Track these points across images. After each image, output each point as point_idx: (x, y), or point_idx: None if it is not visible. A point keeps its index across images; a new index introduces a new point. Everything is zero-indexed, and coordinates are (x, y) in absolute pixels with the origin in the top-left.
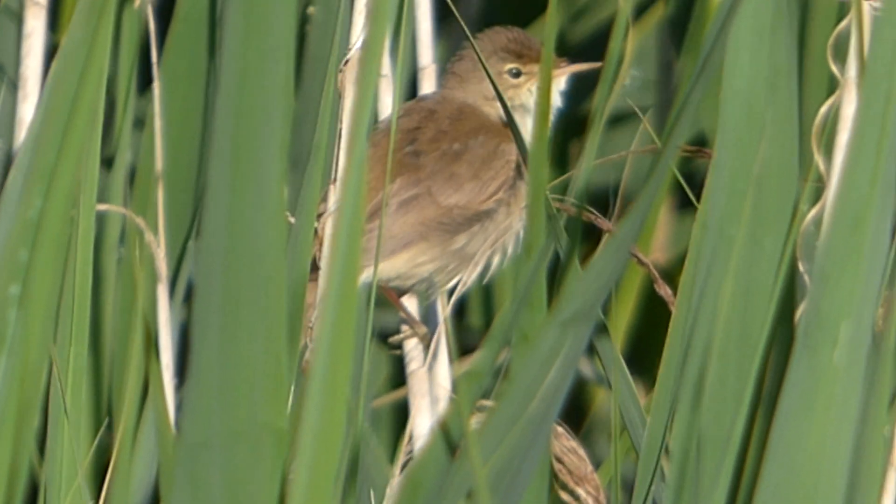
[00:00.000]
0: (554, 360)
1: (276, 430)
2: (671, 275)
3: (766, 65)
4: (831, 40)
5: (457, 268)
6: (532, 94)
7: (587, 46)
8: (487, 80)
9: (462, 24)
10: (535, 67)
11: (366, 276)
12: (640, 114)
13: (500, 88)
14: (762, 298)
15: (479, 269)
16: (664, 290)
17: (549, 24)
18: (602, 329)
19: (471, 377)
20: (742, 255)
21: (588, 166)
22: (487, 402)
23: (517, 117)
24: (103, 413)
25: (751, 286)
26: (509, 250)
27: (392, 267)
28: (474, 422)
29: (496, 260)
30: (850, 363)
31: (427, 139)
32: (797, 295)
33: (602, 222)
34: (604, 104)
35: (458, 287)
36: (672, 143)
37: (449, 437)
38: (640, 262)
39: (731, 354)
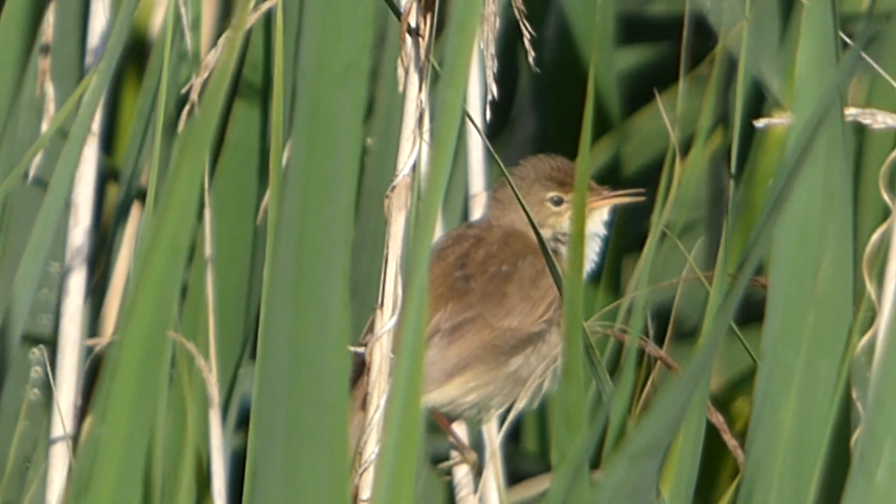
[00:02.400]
0: (621, 495)
1: None
2: (723, 401)
3: (820, 190)
4: (884, 168)
5: (510, 392)
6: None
7: (644, 174)
8: (530, 207)
9: (497, 158)
10: None
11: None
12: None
13: (543, 216)
14: (818, 424)
15: (531, 392)
16: (716, 417)
17: (583, 152)
18: None
19: None
20: (799, 381)
21: (641, 297)
22: None
23: (560, 246)
24: None
25: (807, 411)
26: None
27: (447, 393)
28: None
29: (547, 383)
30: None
31: (476, 263)
32: (851, 421)
33: (657, 351)
34: (654, 244)
35: (511, 411)
36: (746, 270)
37: None
38: None
39: (787, 480)
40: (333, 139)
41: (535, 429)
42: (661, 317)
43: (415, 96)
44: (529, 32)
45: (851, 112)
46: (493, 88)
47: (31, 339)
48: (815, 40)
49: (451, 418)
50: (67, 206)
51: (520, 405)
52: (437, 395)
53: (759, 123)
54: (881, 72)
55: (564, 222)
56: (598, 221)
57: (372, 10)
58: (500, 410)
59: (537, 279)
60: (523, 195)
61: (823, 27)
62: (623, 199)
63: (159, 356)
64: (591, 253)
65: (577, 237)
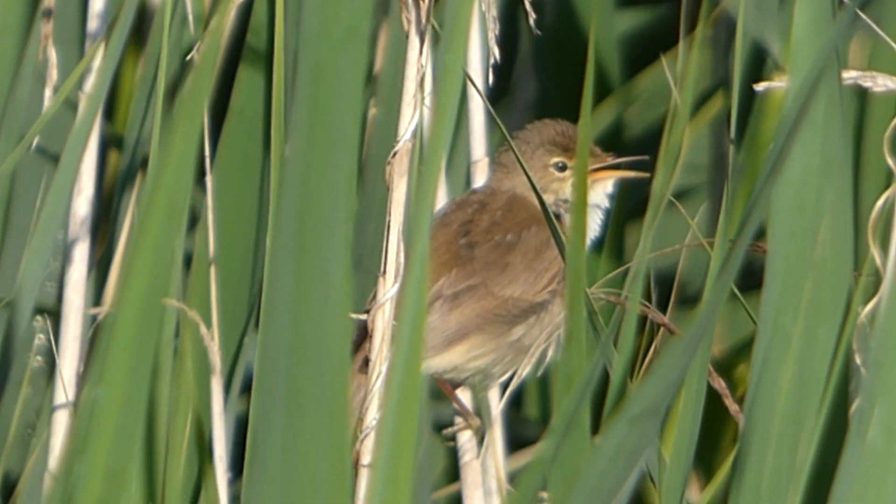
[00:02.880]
0: (620, 457)
1: None
2: (726, 367)
3: (819, 154)
4: (888, 133)
5: (513, 360)
6: None
7: (646, 138)
8: (534, 172)
9: (500, 122)
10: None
11: (423, 368)
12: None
13: (546, 181)
14: (816, 390)
15: (534, 360)
16: (718, 382)
17: (584, 116)
18: None
19: (531, 469)
20: (797, 347)
21: (643, 263)
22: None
23: (562, 211)
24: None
25: (805, 378)
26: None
27: (448, 359)
28: None
29: (551, 352)
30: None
31: (480, 231)
32: (851, 387)
33: (659, 317)
34: (658, 205)
35: (514, 379)
36: (745, 234)
37: None
38: None
39: (784, 445)
40: (335, 105)
41: (538, 395)
42: (665, 283)
43: (415, 60)
44: None
45: (852, 75)
46: (496, 52)
47: (36, 308)
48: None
49: (455, 385)
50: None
51: (523, 373)
52: (439, 361)
53: (760, 87)
54: (882, 34)
55: (567, 188)
56: (601, 193)
57: None
58: (504, 378)
59: (542, 250)
60: (526, 160)
61: None
62: (627, 173)
63: (156, 319)
64: (594, 223)
65: (580, 203)
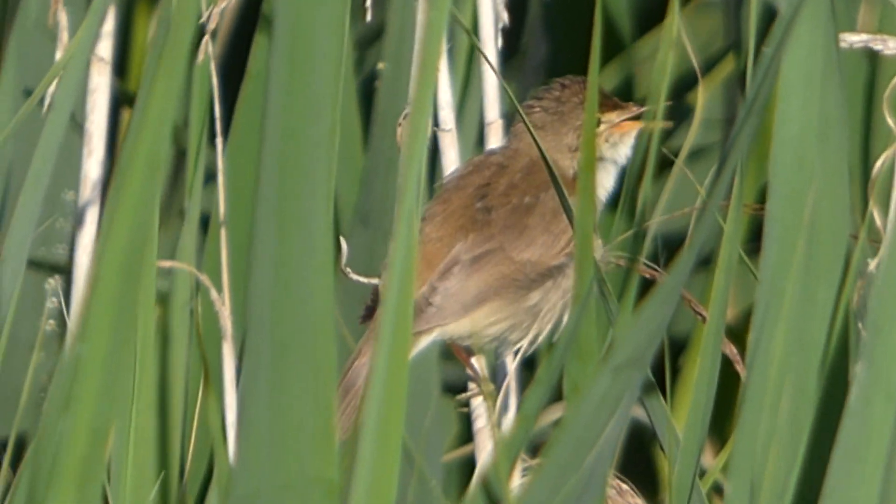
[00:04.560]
0: (605, 408)
1: (327, 482)
2: (737, 332)
3: (816, 114)
4: (887, 92)
5: (530, 325)
6: (610, 146)
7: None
8: (566, 131)
9: (508, 90)
10: (613, 116)
11: (439, 334)
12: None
13: (575, 140)
14: (815, 352)
15: (550, 325)
16: (729, 348)
17: (592, 73)
18: (653, 388)
19: (518, 424)
20: (795, 307)
21: (653, 224)
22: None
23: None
24: (173, 470)
25: (804, 339)
26: None
27: (466, 325)
28: (522, 473)
29: (566, 317)
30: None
31: (498, 194)
32: (850, 349)
33: (655, 274)
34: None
35: (527, 344)
36: (716, 195)
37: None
38: (697, 313)
39: (785, 406)
40: (313, 58)
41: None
42: (674, 245)
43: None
44: None
45: (862, 38)
46: (505, 16)
47: (47, 269)
48: None
49: (469, 350)
50: (81, 134)
51: (539, 338)
52: (456, 328)
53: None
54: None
55: (603, 145)
56: (626, 146)
57: None
58: (520, 343)
59: (559, 212)
60: (560, 118)
61: None
62: (655, 123)
63: (137, 274)
64: (608, 181)
65: (588, 163)
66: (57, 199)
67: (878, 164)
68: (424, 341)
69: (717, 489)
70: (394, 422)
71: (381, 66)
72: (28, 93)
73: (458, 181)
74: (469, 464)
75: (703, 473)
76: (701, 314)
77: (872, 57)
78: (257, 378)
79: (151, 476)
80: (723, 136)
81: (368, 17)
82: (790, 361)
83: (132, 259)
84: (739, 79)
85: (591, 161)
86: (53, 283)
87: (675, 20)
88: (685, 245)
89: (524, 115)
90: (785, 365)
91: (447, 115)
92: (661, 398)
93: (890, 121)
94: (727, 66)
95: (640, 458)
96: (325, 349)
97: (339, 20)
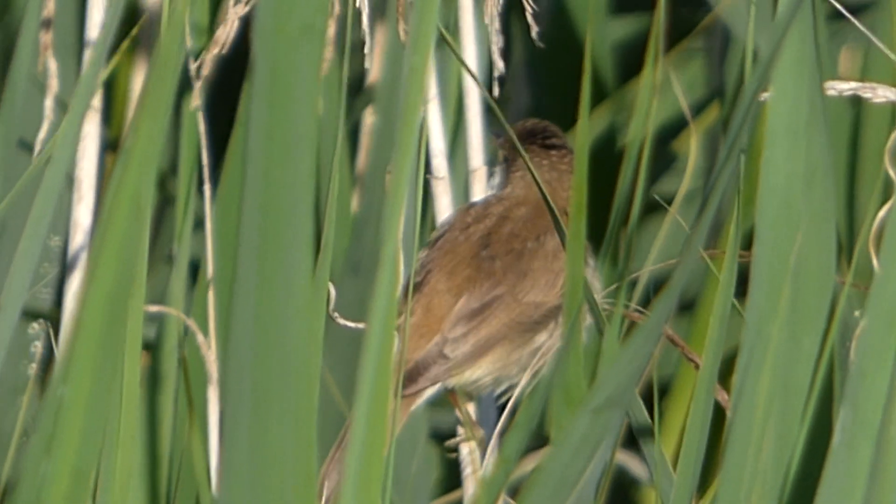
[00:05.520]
0: (585, 449)
1: None
2: (723, 374)
3: (802, 162)
4: (890, 143)
5: (525, 367)
6: None
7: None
8: (567, 186)
9: (507, 125)
10: None
11: (447, 383)
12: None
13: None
14: (800, 398)
15: (545, 368)
16: (721, 395)
17: (582, 121)
18: (648, 430)
19: (498, 466)
20: (780, 352)
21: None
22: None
23: None
24: None
25: (789, 383)
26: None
27: (475, 373)
28: None
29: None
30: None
31: (501, 241)
32: (836, 393)
33: (642, 318)
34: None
35: (521, 387)
36: (697, 238)
37: None
38: (689, 360)
39: (768, 449)
40: (292, 102)
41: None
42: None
43: None
44: (531, 6)
45: (851, 86)
46: (500, 65)
47: (31, 314)
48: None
49: (461, 394)
50: (70, 181)
51: (536, 380)
52: (461, 378)
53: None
54: (876, 42)
55: None
56: None
57: None
58: (513, 382)
59: (559, 251)
60: (559, 178)
61: None
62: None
63: (123, 315)
64: None
65: (578, 210)
66: (42, 244)
67: (881, 214)
68: (430, 391)
69: None
70: (374, 478)
71: (369, 115)
72: (22, 143)
73: (463, 230)
74: None
75: None
76: (694, 361)
77: (856, 102)
78: (238, 423)
79: None
80: (704, 182)
81: (367, 65)
82: (774, 405)
83: (116, 302)
84: (724, 126)
85: (581, 208)
86: (37, 327)
87: (651, 68)
88: (666, 286)
89: (529, 163)
90: (769, 408)
91: (440, 163)
92: (655, 442)
93: (891, 171)
94: (712, 113)
95: (618, 502)
96: (307, 394)
97: (316, 64)
